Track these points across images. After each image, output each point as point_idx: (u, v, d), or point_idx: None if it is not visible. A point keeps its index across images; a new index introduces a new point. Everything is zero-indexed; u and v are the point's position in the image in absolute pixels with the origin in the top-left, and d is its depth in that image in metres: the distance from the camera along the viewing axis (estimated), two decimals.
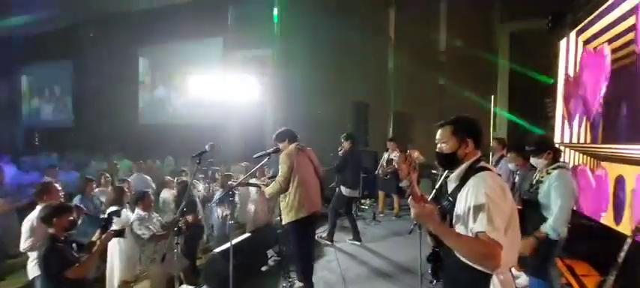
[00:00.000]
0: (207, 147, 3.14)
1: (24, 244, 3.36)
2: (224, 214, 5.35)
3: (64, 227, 2.73)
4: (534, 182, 2.99)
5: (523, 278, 3.54)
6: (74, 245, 2.83)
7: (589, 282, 3.33)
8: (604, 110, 3.94)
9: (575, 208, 3.41)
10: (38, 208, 3.33)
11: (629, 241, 2.56)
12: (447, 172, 1.87)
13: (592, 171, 4.16)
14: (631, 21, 3.36)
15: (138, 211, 3.90)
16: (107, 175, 5.93)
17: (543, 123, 5.98)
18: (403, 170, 1.73)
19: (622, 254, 2.55)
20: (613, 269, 2.58)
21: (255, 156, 3.99)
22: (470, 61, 8.19)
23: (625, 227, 3.26)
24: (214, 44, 11.92)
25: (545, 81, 6.00)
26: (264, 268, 4.83)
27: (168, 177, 6.40)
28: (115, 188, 4.52)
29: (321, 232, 5.65)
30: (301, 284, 3.91)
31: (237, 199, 5.75)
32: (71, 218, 2.78)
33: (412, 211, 1.62)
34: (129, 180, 6.11)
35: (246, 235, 4.77)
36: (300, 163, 3.70)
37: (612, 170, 3.69)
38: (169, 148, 10.82)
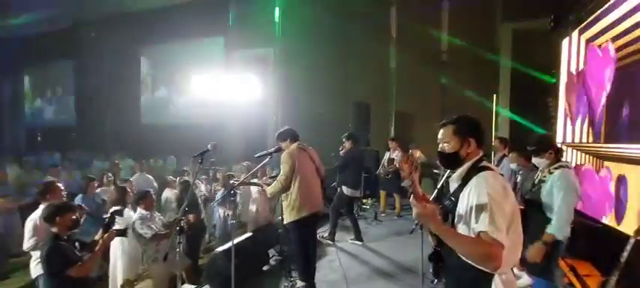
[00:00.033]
0: (209, 146, 3.14)
1: (27, 243, 3.38)
2: (226, 213, 5.36)
3: (67, 226, 2.75)
4: (536, 182, 2.98)
5: (525, 278, 3.53)
6: (77, 244, 2.84)
7: (591, 282, 3.32)
8: (607, 109, 3.93)
9: (577, 208, 3.40)
10: (41, 207, 3.35)
11: (631, 241, 2.55)
12: (448, 171, 1.87)
13: (594, 171, 4.15)
14: (635, 18, 3.34)
15: (140, 210, 3.91)
16: (109, 174, 5.95)
17: (545, 122, 5.96)
18: (405, 170, 1.73)
19: (625, 254, 2.54)
20: (615, 270, 2.57)
21: (256, 155, 4.00)
22: (472, 61, 8.17)
23: (627, 227, 3.24)
24: (216, 44, 11.93)
25: (547, 80, 5.98)
26: (265, 268, 4.84)
27: (170, 177, 6.42)
28: (117, 188, 4.54)
29: (323, 232, 5.65)
30: (303, 284, 3.92)
31: (238, 198, 5.76)
32: (74, 217, 2.80)
33: (413, 211, 1.62)
34: (131, 179, 6.14)
35: (248, 234, 4.78)
36: (302, 163, 3.70)
37: (615, 170, 3.68)
38: (171, 148, 10.84)
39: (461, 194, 1.65)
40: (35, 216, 3.38)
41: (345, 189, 5.60)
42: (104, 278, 4.02)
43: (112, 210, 3.60)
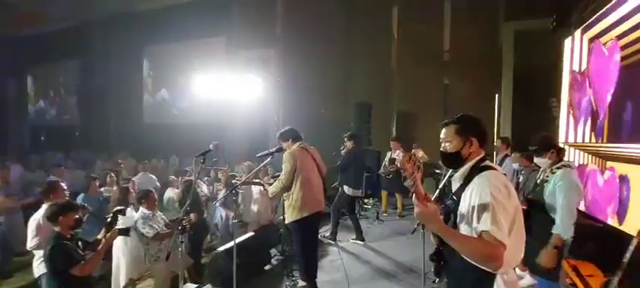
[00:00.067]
0: (211, 146, 3.14)
1: (30, 242, 3.40)
2: (227, 213, 5.37)
3: (70, 226, 2.76)
4: (539, 182, 2.97)
5: (527, 278, 3.52)
6: (80, 243, 2.85)
7: (594, 282, 3.30)
8: (610, 109, 3.91)
9: (581, 208, 3.39)
10: (44, 206, 3.37)
11: (634, 241, 2.54)
12: (451, 171, 1.86)
13: (598, 171, 4.13)
14: (638, 18, 3.32)
15: (142, 209, 3.92)
16: (112, 174, 5.98)
17: (548, 122, 5.94)
18: (407, 170, 1.73)
19: (627, 255, 2.53)
20: (618, 270, 2.56)
21: (258, 155, 4.00)
22: (474, 60, 8.15)
23: (630, 227, 3.23)
24: (218, 44, 11.95)
25: (549, 80, 5.95)
26: (267, 267, 4.85)
27: (173, 176, 6.44)
28: (120, 187, 4.56)
29: (324, 232, 5.65)
30: (304, 283, 3.92)
31: (240, 198, 5.77)
32: (77, 217, 2.81)
33: (415, 211, 1.62)
34: (134, 179, 6.16)
35: (250, 234, 4.79)
36: (304, 163, 3.70)
37: (618, 170, 3.66)
38: (173, 148, 10.88)
39: (463, 194, 1.65)
40: (38, 215, 3.40)
41: (346, 189, 5.60)
42: (107, 277, 4.03)
43: (114, 209, 3.61)
